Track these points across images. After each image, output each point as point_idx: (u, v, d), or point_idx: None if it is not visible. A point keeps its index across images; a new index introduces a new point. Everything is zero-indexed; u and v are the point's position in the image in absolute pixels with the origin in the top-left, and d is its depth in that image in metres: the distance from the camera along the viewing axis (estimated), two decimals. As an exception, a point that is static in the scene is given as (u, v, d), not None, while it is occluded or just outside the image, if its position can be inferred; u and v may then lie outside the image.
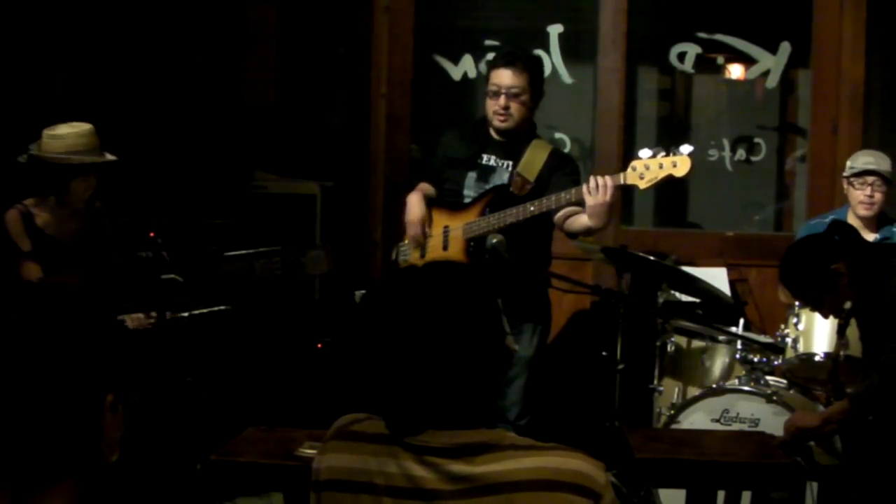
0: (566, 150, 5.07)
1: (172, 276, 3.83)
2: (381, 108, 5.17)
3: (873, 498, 3.11)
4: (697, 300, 4.47)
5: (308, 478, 1.72)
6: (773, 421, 3.77)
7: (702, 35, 5.21)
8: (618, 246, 4.29)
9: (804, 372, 4.06)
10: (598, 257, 4.50)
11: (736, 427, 3.87)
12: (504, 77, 3.84)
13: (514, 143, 3.94)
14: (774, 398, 3.86)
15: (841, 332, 3.26)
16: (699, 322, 4.29)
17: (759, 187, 5.48)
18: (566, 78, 5.27)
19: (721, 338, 4.23)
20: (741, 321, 4.23)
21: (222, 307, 4.07)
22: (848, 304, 3.17)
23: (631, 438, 3.14)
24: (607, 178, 3.60)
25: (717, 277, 4.66)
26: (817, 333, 3.98)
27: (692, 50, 5.21)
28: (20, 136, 4.17)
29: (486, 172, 3.96)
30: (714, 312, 4.41)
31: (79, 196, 3.82)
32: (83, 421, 1.21)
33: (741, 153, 5.29)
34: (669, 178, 3.62)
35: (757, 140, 5.30)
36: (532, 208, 3.72)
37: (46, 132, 3.74)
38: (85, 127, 3.76)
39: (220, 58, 5.05)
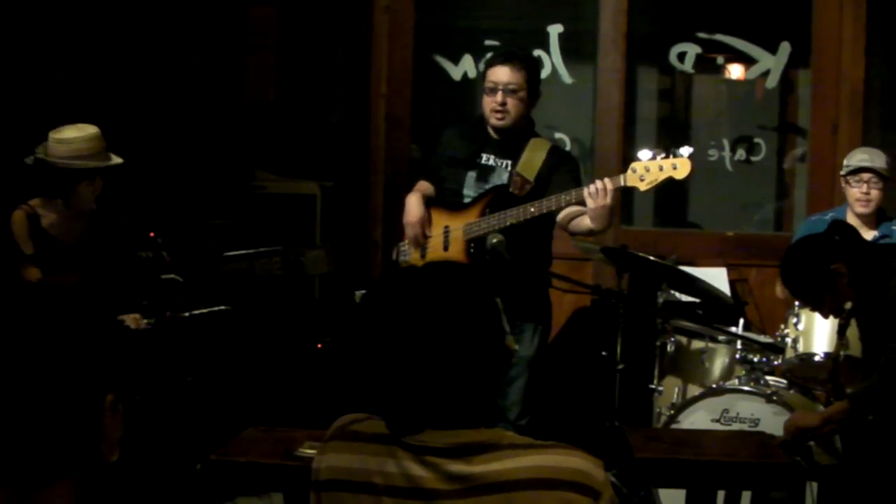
0: (566, 149, 5.07)
1: (172, 276, 3.83)
2: (381, 108, 5.17)
3: (873, 498, 3.11)
4: (697, 300, 4.47)
5: (308, 478, 1.72)
6: (773, 421, 3.77)
7: (702, 35, 5.21)
8: (618, 246, 4.28)
9: (804, 372, 4.06)
10: (598, 257, 4.50)
11: (736, 427, 3.87)
12: (501, 74, 3.84)
13: (512, 142, 3.94)
14: (774, 398, 3.86)
15: (841, 332, 3.26)
16: (699, 322, 4.29)
17: (759, 187, 5.48)
18: (566, 78, 5.27)
19: (721, 338, 4.23)
20: (741, 321, 4.23)
21: (222, 307, 4.07)
22: (848, 305, 3.17)
23: (631, 438, 3.14)
24: (606, 181, 3.59)
25: (717, 277, 4.67)
26: (817, 333, 3.98)
27: (692, 50, 5.21)
28: (20, 135, 4.18)
29: (485, 172, 3.96)
30: (714, 312, 4.41)
31: (85, 199, 3.83)
32: (83, 421, 1.21)
33: (741, 153, 5.29)
34: (669, 180, 3.62)
35: (757, 140, 5.30)
36: (533, 209, 3.71)
37: (52, 135, 3.72)
38: (91, 130, 3.76)
39: (220, 58, 5.05)
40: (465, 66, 5.27)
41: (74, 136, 3.72)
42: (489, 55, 4.12)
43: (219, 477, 2.88)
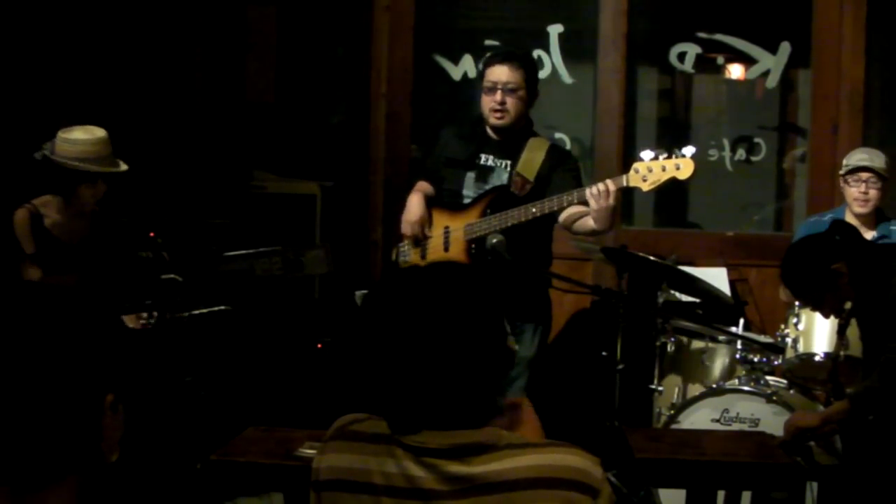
0: (565, 148, 5.07)
1: (172, 276, 3.83)
2: (381, 107, 5.17)
3: (873, 498, 3.11)
4: (697, 300, 4.47)
5: (308, 478, 1.72)
6: (773, 421, 3.77)
7: (702, 35, 5.21)
8: (618, 246, 4.28)
9: (804, 372, 4.06)
10: (598, 257, 4.50)
11: (736, 427, 3.87)
12: (500, 73, 3.84)
13: (511, 142, 3.93)
14: (774, 398, 3.86)
15: (841, 331, 3.26)
16: (699, 322, 4.29)
17: (759, 187, 5.48)
18: (566, 78, 5.27)
19: (721, 338, 4.23)
20: (741, 321, 4.23)
21: (222, 307, 4.07)
22: (848, 305, 3.17)
23: (631, 438, 3.14)
24: (609, 182, 3.58)
25: (717, 277, 4.67)
26: (817, 333, 3.98)
27: (692, 50, 5.21)
28: (20, 134, 4.18)
29: (484, 173, 3.95)
30: (714, 312, 4.41)
31: (85, 201, 3.83)
32: (83, 420, 1.21)
33: (741, 153, 5.29)
34: (672, 181, 3.61)
35: (757, 140, 5.30)
36: (535, 210, 3.71)
37: (61, 134, 3.74)
38: (99, 134, 3.76)
39: (220, 58, 5.05)
40: (465, 66, 5.27)
41: (80, 137, 3.73)
42: (487, 55, 4.12)
43: (219, 477, 2.88)
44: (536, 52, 5.20)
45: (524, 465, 1.58)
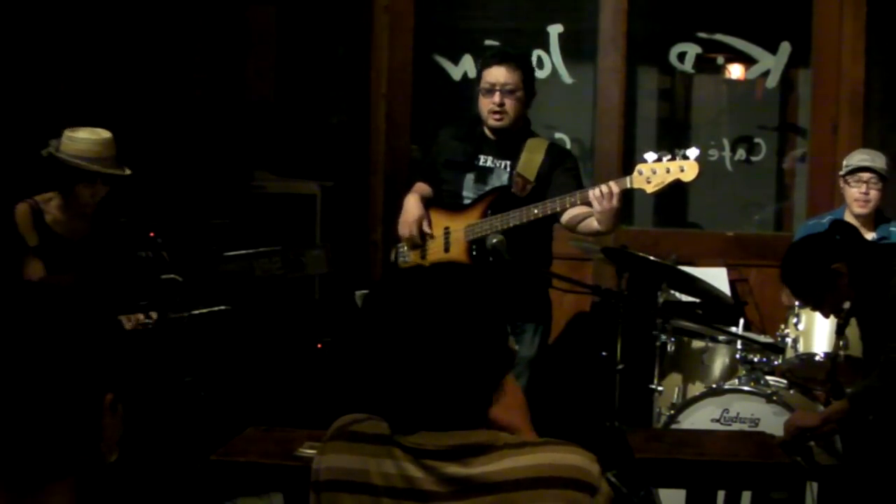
0: (564, 147, 5.06)
1: (172, 276, 3.83)
2: (381, 108, 5.17)
3: (873, 498, 3.11)
4: (697, 300, 4.47)
5: (308, 478, 1.72)
6: (773, 421, 3.76)
7: (702, 35, 5.21)
8: (618, 246, 4.28)
9: (804, 372, 4.06)
10: (598, 257, 4.50)
11: (736, 427, 3.87)
12: (498, 74, 3.84)
13: (509, 143, 3.93)
14: (774, 398, 3.86)
15: (840, 331, 3.26)
16: (699, 322, 4.29)
17: (759, 187, 5.48)
18: (566, 78, 5.27)
19: (721, 338, 4.23)
20: (741, 321, 4.23)
21: (222, 307, 4.07)
22: (847, 304, 3.17)
23: (631, 438, 3.14)
24: (612, 184, 3.56)
25: (717, 277, 4.67)
26: (817, 333, 3.98)
27: (692, 50, 5.21)
28: (21, 135, 4.18)
29: (483, 174, 3.95)
30: (714, 312, 4.41)
31: (83, 200, 3.84)
32: (82, 420, 1.21)
33: (741, 153, 5.29)
34: (677, 183, 3.61)
35: (757, 140, 5.30)
36: (536, 211, 3.70)
37: (67, 132, 3.77)
38: (104, 135, 3.78)
39: (221, 58, 5.05)
40: (465, 67, 5.27)
41: (84, 136, 3.75)
42: (483, 55, 4.12)
43: (219, 477, 2.88)
44: (536, 52, 5.20)
45: (522, 465, 1.58)
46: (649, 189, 3.60)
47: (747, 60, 5.24)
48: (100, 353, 1.23)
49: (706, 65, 5.29)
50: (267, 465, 2.78)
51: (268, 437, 2.97)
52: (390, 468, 1.61)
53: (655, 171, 3.58)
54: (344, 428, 1.71)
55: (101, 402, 1.23)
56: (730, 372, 4.20)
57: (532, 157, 3.90)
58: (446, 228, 3.93)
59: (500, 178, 3.92)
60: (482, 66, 3.93)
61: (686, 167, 3.57)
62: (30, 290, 1.29)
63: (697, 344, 4.29)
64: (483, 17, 5.50)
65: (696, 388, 4.17)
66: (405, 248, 4.02)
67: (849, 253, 3.12)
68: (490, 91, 3.85)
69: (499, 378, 1.67)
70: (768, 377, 4.02)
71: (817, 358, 3.97)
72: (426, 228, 3.96)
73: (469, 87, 5.20)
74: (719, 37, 5.21)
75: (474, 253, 3.83)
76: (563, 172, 3.88)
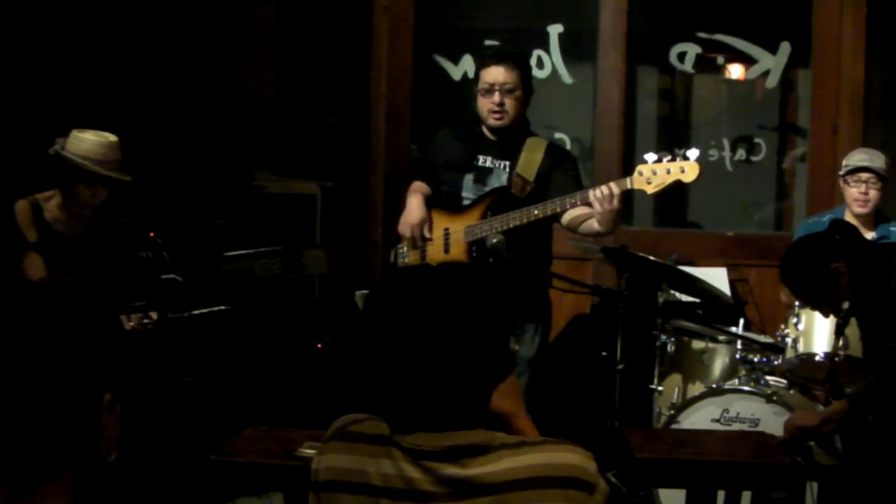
0: (563, 147, 5.06)
1: (172, 276, 3.83)
2: (381, 107, 5.17)
3: (873, 498, 3.11)
4: (697, 300, 4.47)
5: (308, 478, 1.72)
6: (773, 421, 3.76)
7: (702, 35, 5.21)
8: (618, 246, 4.28)
9: (804, 372, 4.06)
10: (598, 257, 4.50)
11: (736, 427, 3.87)
12: (497, 74, 3.84)
13: (508, 143, 3.93)
14: (774, 398, 3.86)
15: (839, 331, 3.25)
16: (699, 322, 4.29)
17: (759, 187, 5.48)
18: (566, 78, 5.27)
19: (721, 338, 4.23)
20: (741, 321, 4.23)
21: (222, 307, 4.07)
22: (846, 304, 3.17)
23: (631, 438, 3.14)
24: (613, 185, 3.56)
25: (717, 277, 4.67)
26: (817, 333, 3.98)
27: (692, 50, 5.21)
28: (21, 134, 4.18)
29: (483, 174, 3.95)
30: (714, 312, 4.41)
31: (84, 201, 3.85)
32: (81, 419, 1.21)
33: (741, 153, 5.29)
34: (677, 184, 3.60)
35: (757, 140, 5.30)
36: (536, 212, 3.70)
37: (75, 132, 3.80)
38: (110, 139, 3.81)
39: (221, 58, 5.05)
40: (465, 66, 5.27)
41: (90, 138, 3.78)
42: (481, 55, 4.11)
43: (219, 477, 2.88)
44: (536, 53, 5.20)
45: (520, 465, 1.58)
46: (650, 190, 3.60)
47: (747, 60, 5.24)
48: (99, 353, 1.23)
49: (706, 65, 5.29)
50: (267, 465, 2.78)
51: (268, 437, 2.97)
52: (389, 469, 1.61)
53: (656, 172, 3.57)
54: (343, 428, 1.71)
55: (100, 401, 1.23)
56: (730, 372, 4.20)
57: (531, 158, 3.90)
58: (446, 229, 3.93)
59: (500, 179, 3.92)
60: (480, 66, 3.93)
61: (686, 168, 3.57)
62: (30, 289, 1.29)
63: (697, 344, 4.29)
64: (483, 17, 5.50)
65: (696, 388, 4.17)
66: (405, 248, 4.02)
67: (848, 252, 3.11)
68: (489, 91, 3.85)
69: (499, 379, 1.67)
70: (768, 377, 4.02)
71: (817, 358, 3.97)
72: (427, 234, 3.96)
73: (469, 87, 5.20)
74: (719, 37, 5.21)
75: (474, 254, 3.83)
76: (563, 172, 3.88)
